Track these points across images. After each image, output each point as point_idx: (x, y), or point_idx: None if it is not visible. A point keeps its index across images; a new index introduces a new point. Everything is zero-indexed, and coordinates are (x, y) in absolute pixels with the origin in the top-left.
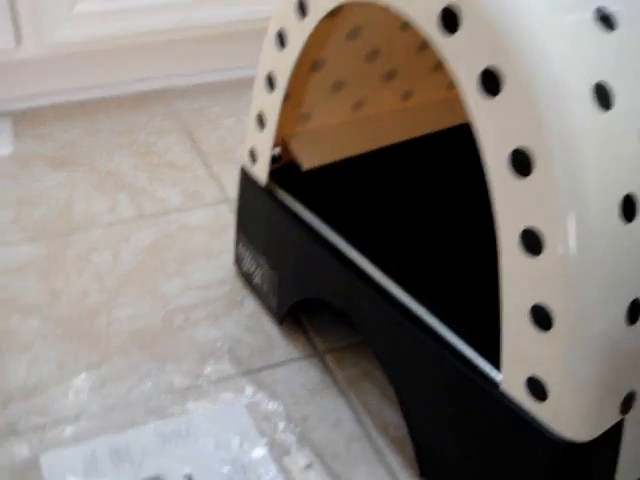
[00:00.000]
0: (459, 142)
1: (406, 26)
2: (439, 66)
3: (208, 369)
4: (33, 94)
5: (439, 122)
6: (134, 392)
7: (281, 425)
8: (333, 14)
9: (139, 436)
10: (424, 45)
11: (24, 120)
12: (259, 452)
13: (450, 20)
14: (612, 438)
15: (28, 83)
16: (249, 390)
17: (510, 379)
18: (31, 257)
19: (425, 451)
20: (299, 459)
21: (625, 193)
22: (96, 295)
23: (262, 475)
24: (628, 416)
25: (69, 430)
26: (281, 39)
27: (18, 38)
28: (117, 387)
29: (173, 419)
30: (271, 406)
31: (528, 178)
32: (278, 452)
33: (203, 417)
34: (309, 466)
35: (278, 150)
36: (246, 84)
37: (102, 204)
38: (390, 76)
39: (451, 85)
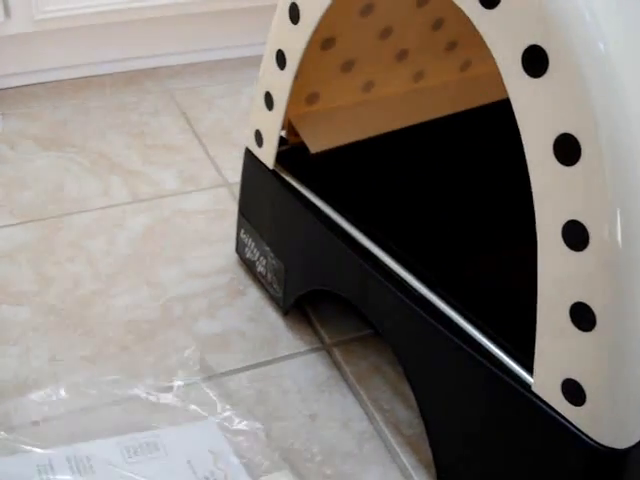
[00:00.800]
0: (473, 126)
1: (422, 3)
2: (453, 46)
3: (209, 362)
4: (21, 71)
5: (452, 105)
6: (124, 391)
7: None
8: None
9: (104, 446)
10: (438, 24)
11: (11, 98)
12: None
13: None
14: None
15: (16, 60)
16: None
17: (544, 381)
18: (20, 242)
19: (444, 454)
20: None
21: None
22: (90, 283)
23: None
24: None
25: (27, 433)
26: (294, 14)
27: (7, 12)
28: (104, 385)
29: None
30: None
31: (573, 166)
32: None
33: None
34: None
35: (284, 132)
36: (241, 64)
37: (94, 187)
38: (401, 56)
39: (465, 66)
